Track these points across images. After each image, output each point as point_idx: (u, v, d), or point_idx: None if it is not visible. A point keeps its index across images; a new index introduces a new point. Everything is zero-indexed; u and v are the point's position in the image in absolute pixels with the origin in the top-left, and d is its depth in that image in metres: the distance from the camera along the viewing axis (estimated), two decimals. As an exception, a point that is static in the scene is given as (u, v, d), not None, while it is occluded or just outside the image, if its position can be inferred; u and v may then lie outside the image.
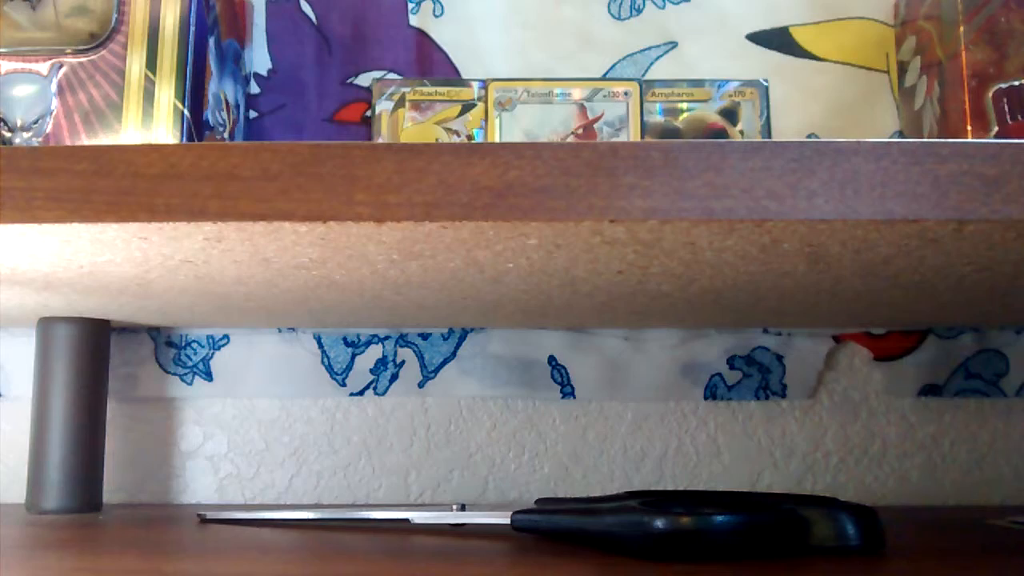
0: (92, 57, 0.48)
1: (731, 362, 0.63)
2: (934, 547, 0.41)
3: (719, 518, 0.35)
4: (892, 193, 0.32)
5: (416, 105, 0.57)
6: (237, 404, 0.64)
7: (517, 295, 0.47)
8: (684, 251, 0.36)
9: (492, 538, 0.43)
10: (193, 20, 0.50)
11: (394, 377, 0.63)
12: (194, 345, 0.64)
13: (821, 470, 0.63)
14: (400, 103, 0.57)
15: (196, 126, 0.50)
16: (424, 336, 0.64)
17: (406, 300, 0.49)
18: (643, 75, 0.64)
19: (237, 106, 0.59)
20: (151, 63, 0.48)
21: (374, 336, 0.64)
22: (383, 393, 0.63)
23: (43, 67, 0.48)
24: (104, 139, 0.48)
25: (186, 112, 0.49)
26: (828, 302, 0.49)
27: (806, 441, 0.63)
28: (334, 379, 0.64)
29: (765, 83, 0.57)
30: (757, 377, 0.63)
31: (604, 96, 0.56)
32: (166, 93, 0.48)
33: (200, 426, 0.64)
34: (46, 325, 0.57)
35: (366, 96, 0.64)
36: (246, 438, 0.64)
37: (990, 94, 0.52)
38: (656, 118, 0.56)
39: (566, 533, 0.40)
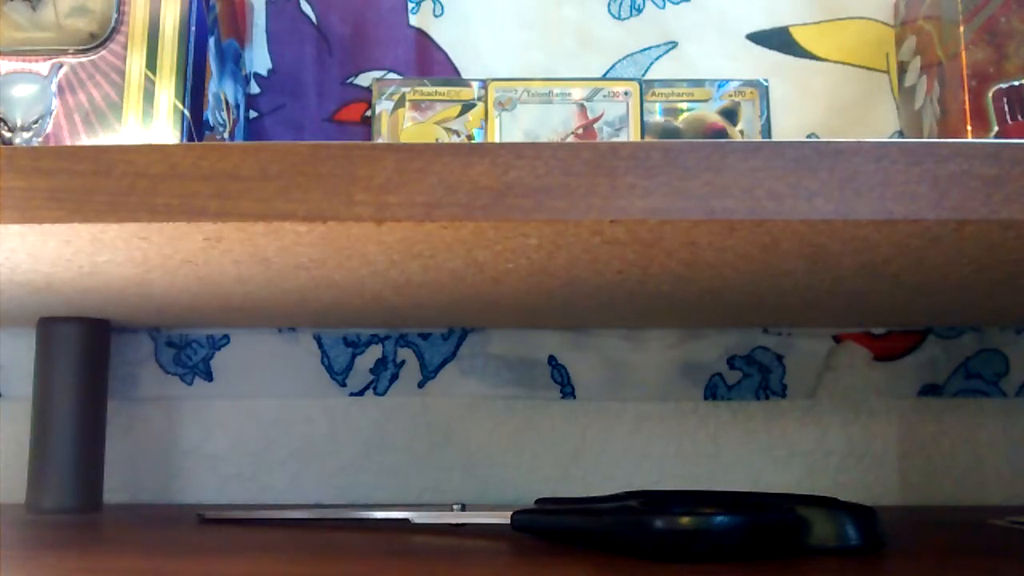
0: (92, 57, 0.48)
1: (731, 362, 0.63)
2: (934, 547, 0.41)
3: (719, 518, 0.35)
4: (892, 193, 0.32)
5: (416, 105, 0.57)
6: (237, 404, 0.64)
7: (517, 295, 0.47)
8: (684, 251, 0.36)
9: (492, 538, 0.43)
10: (193, 20, 0.50)
11: (394, 377, 0.63)
12: (194, 345, 0.64)
13: (821, 470, 0.63)
14: (400, 103, 0.57)
15: (196, 126, 0.50)
16: (424, 336, 0.64)
17: (406, 300, 0.49)
18: (643, 75, 0.64)
19: (237, 106, 0.59)
20: (151, 63, 0.49)
21: (374, 336, 0.64)
22: (383, 393, 0.63)
23: (43, 67, 0.48)
24: (104, 139, 0.48)
25: (186, 112, 0.49)
26: (828, 302, 0.49)
27: (806, 441, 0.63)
28: (334, 379, 0.64)
29: (765, 83, 0.57)
30: (757, 377, 0.63)
31: (604, 96, 0.56)
32: (166, 93, 0.48)
33: (200, 426, 0.64)
34: (46, 325, 0.57)
35: (366, 96, 0.64)
36: (246, 438, 0.64)
37: (990, 94, 0.52)
38: (656, 118, 0.57)
39: (566, 533, 0.40)
